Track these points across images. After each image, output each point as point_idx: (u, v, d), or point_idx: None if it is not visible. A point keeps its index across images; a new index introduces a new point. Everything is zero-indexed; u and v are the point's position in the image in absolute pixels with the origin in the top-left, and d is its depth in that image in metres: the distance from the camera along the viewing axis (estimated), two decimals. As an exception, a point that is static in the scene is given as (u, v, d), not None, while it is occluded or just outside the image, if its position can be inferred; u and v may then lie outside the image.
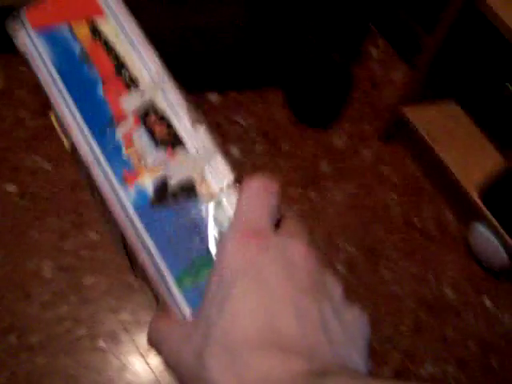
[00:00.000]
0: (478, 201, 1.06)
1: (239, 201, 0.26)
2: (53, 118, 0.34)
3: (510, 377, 1.08)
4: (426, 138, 1.13)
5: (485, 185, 1.02)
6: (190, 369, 0.23)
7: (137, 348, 0.95)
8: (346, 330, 0.24)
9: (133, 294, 1.02)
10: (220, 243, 0.25)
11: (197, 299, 0.26)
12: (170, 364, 0.25)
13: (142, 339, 0.95)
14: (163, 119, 0.29)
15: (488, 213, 1.04)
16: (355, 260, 1.17)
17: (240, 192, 0.27)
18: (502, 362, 1.11)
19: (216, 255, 0.25)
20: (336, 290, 0.25)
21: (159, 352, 0.26)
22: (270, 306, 0.22)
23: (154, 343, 0.26)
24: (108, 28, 0.32)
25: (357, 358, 0.24)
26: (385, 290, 1.16)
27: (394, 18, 1.23)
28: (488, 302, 1.17)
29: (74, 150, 0.31)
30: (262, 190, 0.26)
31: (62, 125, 0.31)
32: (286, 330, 0.22)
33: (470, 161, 1.12)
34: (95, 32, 0.31)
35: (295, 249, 0.24)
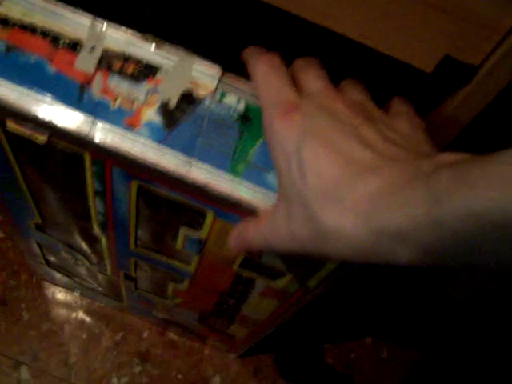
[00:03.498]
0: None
1: (257, 83, 0.29)
2: (12, 127, 0.34)
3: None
4: None
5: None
6: (310, 237, 0.25)
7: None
8: (405, 133, 0.27)
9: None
10: (267, 129, 0.28)
11: (257, 176, 0.30)
12: (293, 248, 0.27)
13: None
14: (127, 59, 0.31)
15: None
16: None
17: (252, 75, 0.29)
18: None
19: (269, 140, 0.28)
20: (379, 112, 0.28)
21: (273, 250, 0.28)
22: (338, 149, 0.25)
23: (264, 246, 0.29)
24: (13, 11, 0.31)
25: (426, 146, 0.27)
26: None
27: None
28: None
29: (58, 136, 0.32)
30: (270, 65, 0.29)
31: (34, 121, 0.31)
32: (364, 159, 0.24)
33: None
34: (5, 22, 0.31)
35: (328, 98, 0.27)
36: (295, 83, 0.29)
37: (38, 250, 0.66)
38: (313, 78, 0.29)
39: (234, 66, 0.31)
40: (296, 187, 0.26)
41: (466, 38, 0.27)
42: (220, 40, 0.33)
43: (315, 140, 0.25)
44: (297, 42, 0.32)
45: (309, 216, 0.25)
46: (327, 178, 0.25)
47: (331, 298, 0.89)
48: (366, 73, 0.31)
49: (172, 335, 0.86)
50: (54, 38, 0.31)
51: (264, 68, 0.29)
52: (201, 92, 0.30)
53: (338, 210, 0.24)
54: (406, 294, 0.95)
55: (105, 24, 0.31)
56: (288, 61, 0.30)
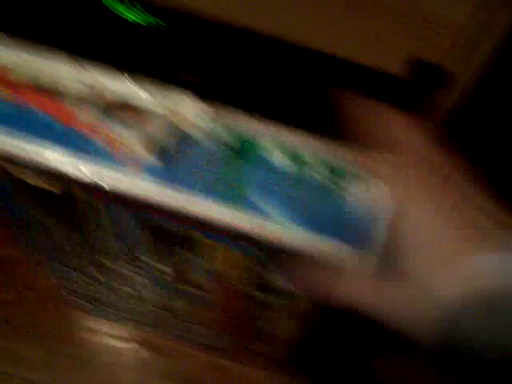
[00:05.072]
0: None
1: None
2: (29, 179, 0.36)
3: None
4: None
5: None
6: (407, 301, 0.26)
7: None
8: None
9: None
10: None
11: (254, 207, 0.31)
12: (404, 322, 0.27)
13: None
14: (126, 107, 0.33)
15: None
16: None
17: None
18: None
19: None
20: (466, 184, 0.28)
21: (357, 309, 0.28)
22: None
23: (349, 306, 0.28)
24: (22, 75, 0.34)
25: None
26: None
27: None
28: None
29: (72, 187, 0.34)
30: None
31: (50, 173, 0.33)
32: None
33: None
34: (16, 85, 0.34)
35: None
36: None
37: (72, 283, 0.68)
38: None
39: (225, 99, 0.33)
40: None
41: (424, 36, 0.28)
42: (207, 73, 0.34)
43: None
44: (273, 60, 0.33)
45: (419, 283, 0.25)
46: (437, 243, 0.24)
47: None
48: (344, 84, 0.32)
49: (222, 360, 0.87)
50: (59, 96, 0.33)
51: None
52: (194, 129, 0.32)
53: (451, 277, 0.24)
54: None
55: (104, 77, 0.33)
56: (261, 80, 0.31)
